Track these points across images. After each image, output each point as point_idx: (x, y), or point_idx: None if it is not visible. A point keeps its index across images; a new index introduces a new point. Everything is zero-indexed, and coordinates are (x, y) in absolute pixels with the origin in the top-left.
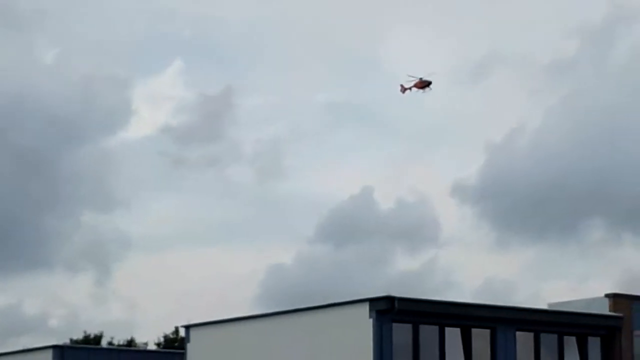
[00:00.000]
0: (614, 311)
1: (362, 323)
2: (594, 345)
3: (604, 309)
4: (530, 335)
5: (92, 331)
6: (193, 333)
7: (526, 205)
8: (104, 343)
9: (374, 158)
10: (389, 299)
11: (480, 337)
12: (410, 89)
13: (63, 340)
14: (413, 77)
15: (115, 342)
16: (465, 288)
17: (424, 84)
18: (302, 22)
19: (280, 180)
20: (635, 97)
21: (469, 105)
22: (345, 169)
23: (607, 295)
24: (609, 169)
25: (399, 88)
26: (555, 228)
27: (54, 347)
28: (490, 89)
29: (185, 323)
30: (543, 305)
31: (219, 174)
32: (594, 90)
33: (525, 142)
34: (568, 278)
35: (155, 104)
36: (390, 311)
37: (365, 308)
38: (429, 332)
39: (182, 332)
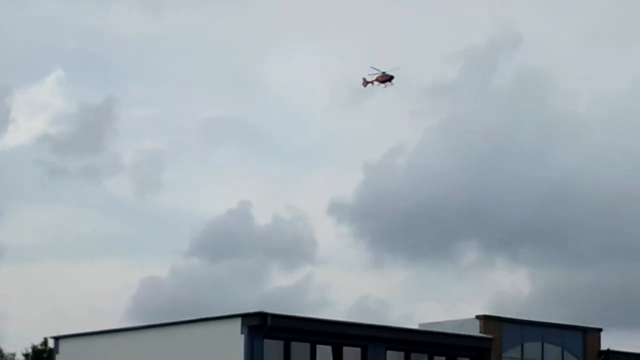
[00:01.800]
0: (485, 333)
1: (234, 338)
2: None
3: (475, 330)
4: (401, 354)
5: None
6: (62, 344)
7: (402, 225)
8: None
9: (253, 174)
10: (262, 315)
11: (352, 355)
12: (372, 82)
13: None
14: (376, 70)
15: None
16: (339, 306)
17: (386, 78)
18: (186, 37)
19: (158, 193)
20: (514, 122)
21: (349, 125)
22: (223, 184)
23: (478, 317)
24: (485, 192)
25: (362, 81)
26: (430, 249)
27: None
28: (371, 109)
29: (55, 334)
30: (415, 326)
31: (96, 186)
32: (474, 114)
33: (403, 162)
34: (441, 299)
35: (34, 112)
36: (262, 327)
37: (237, 324)
38: (300, 349)
39: (51, 343)
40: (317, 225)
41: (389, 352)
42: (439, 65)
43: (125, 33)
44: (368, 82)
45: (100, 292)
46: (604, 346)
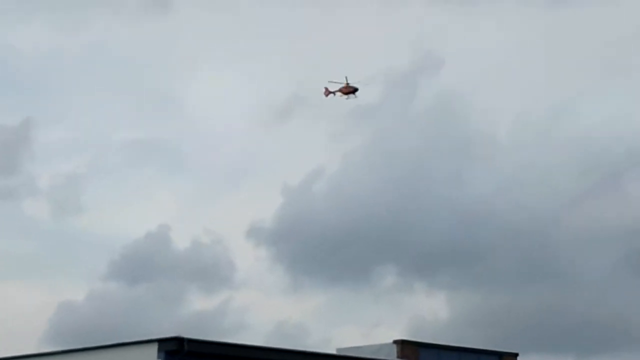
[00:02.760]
0: (402, 357)
1: None
2: None
3: (393, 355)
4: None
5: None
6: None
7: (321, 249)
8: None
9: (172, 197)
10: (179, 340)
11: None
12: (334, 93)
13: None
14: (336, 82)
15: None
16: (258, 330)
17: (349, 90)
18: (107, 58)
19: (76, 216)
20: (434, 144)
21: (269, 148)
22: (142, 207)
23: (395, 342)
24: (404, 216)
25: (324, 91)
26: (348, 273)
27: None
28: (290, 131)
29: None
30: (333, 350)
31: (13, 208)
32: (395, 136)
33: (322, 185)
34: (360, 323)
35: None
36: (179, 352)
37: (154, 349)
38: None
39: None
40: (236, 249)
41: None
42: (361, 87)
43: (44, 52)
44: (330, 92)
45: (15, 316)
46: None
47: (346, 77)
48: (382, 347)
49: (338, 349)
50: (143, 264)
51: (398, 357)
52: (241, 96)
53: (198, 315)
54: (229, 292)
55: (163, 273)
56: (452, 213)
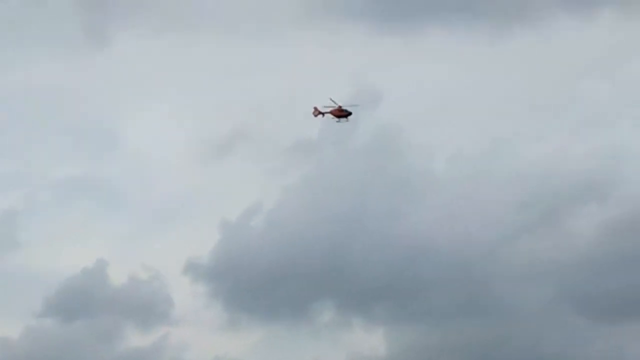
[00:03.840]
0: None
1: None
2: None
3: None
4: None
5: None
6: None
7: (259, 284)
8: None
9: (109, 233)
10: None
11: None
12: (323, 114)
13: None
14: (334, 103)
15: None
16: None
17: (342, 114)
18: (43, 95)
19: (11, 252)
20: (372, 179)
21: (207, 184)
22: (79, 243)
23: None
24: (342, 251)
25: (312, 110)
26: (286, 309)
27: None
28: (229, 167)
29: None
30: None
31: None
32: (334, 171)
33: (260, 221)
34: (298, 359)
35: None
36: None
37: None
38: None
39: None
40: (174, 285)
41: None
42: (300, 123)
43: None
44: (320, 113)
45: None
46: None
47: (332, 99)
48: None
49: None
50: (79, 300)
51: None
52: (179, 132)
53: (135, 351)
54: (167, 328)
55: (99, 309)
56: (390, 248)
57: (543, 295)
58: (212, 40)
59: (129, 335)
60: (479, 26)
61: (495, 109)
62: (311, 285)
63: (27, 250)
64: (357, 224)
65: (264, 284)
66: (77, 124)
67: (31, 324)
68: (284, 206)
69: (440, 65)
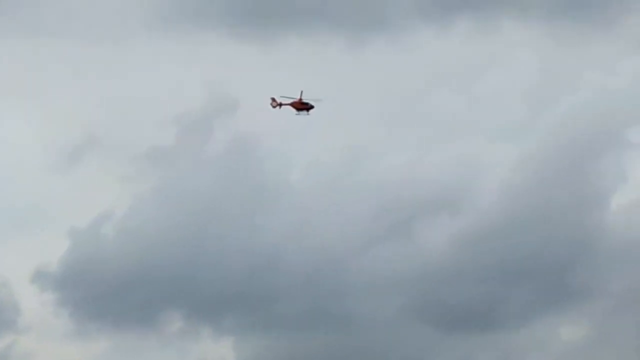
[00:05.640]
0: None
1: None
2: None
3: None
4: None
5: None
6: None
7: (108, 293)
8: None
9: None
10: None
11: None
12: (280, 105)
13: None
14: (288, 97)
15: None
16: None
17: (303, 107)
18: None
19: None
20: (227, 187)
21: (57, 191)
22: None
23: None
24: (192, 260)
25: (270, 101)
26: (135, 317)
27: None
28: (80, 174)
29: None
30: None
31: None
32: (187, 179)
33: (111, 229)
34: None
35: None
36: None
37: None
38: None
39: None
40: (21, 293)
41: None
42: (154, 130)
43: None
44: (278, 104)
45: None
46: None
47: (301, 92)
48: None
49: None
50: None
51: None
52: (28, 138)
53: None
54: (13, 337)
55: None
56: (242, 257)
57: (393, 306)
58: (63, 45)
59: None
60: (337, 35)
61: (351, 118)
62: (160, 295)
63: None
64: (209, 233)
65: (113, 292)
66: None
67: None
68: (135, 214)
69: (296, 74)
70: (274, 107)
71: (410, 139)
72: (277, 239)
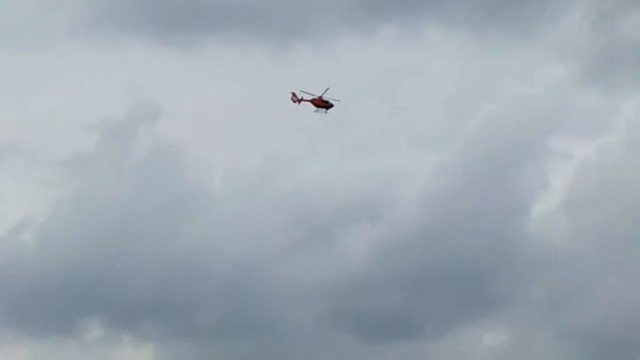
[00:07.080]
0: None
1: None
2: None
3: None
4: None
5: None
6: None
7: (27, 300)
8: None
9: None
10: None
11: None
12: (300, 101)
13: None
14: (310, 94)
15: None
16: None
17: (323, 104)
18: None
19: None
20: (148, 194)
21: None
22: None
23: None
24: (112, 267)
25: (290, 96)
26: (55, 325)
27: None
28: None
29: None
30: None
31: None
32: (108, 186)
33: (30, 236)
34: None
35: None
36: None
37: None
38: None
39: None
40: None
41: None
42: (75, 136)
43: None
44: (298, 100)
45: None
46: None
47: (326, 90)
48: None
49: None
50: None
51: None
52: None
53: None
54: None
55: None
56: (162, 264)
57: (313, 313)
58: None
59: None
60: (260, 41)
61: (272, 126)
62: (80, 301)
63: None
64: (129, 240)
65: (32, 299)
66: None
67: None
68: (55, 221)
69: (219, 80)
70: (294, 102)
71: (331, 147)
72: (197, 245)
